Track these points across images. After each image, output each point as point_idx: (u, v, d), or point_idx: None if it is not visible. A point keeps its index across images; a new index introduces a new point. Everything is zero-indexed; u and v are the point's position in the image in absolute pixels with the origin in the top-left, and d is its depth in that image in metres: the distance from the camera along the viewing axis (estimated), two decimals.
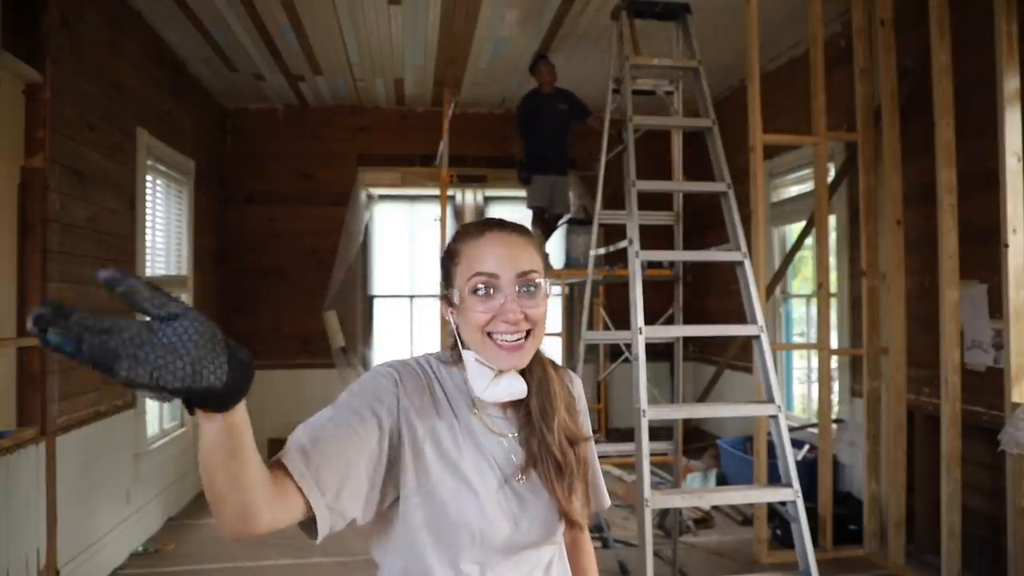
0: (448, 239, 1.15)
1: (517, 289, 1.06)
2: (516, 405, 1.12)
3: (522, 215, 6.13)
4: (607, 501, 1.27)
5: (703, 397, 5.68)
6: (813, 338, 4.47)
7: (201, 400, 0.71)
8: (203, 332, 0.67)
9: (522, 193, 5.72)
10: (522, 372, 1.11)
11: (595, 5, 4.25)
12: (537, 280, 1.07)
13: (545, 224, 5.39)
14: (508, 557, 1.06)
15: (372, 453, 0.99)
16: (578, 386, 1.23)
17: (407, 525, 1.04)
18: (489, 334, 1.06)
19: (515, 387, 1.08)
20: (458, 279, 1.08)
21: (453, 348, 1.15)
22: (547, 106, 5.03)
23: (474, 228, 1.12)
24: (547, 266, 1.32)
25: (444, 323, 1.17)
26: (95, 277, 0.64)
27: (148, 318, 0.66)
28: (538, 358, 1.13)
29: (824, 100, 3.88)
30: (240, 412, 0.76)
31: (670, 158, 3.76)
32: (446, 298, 1.12)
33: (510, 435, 1.11)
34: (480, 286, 1.06)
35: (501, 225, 1.11)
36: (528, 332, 1.07)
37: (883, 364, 3.83)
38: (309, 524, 0.93)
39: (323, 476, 0.92)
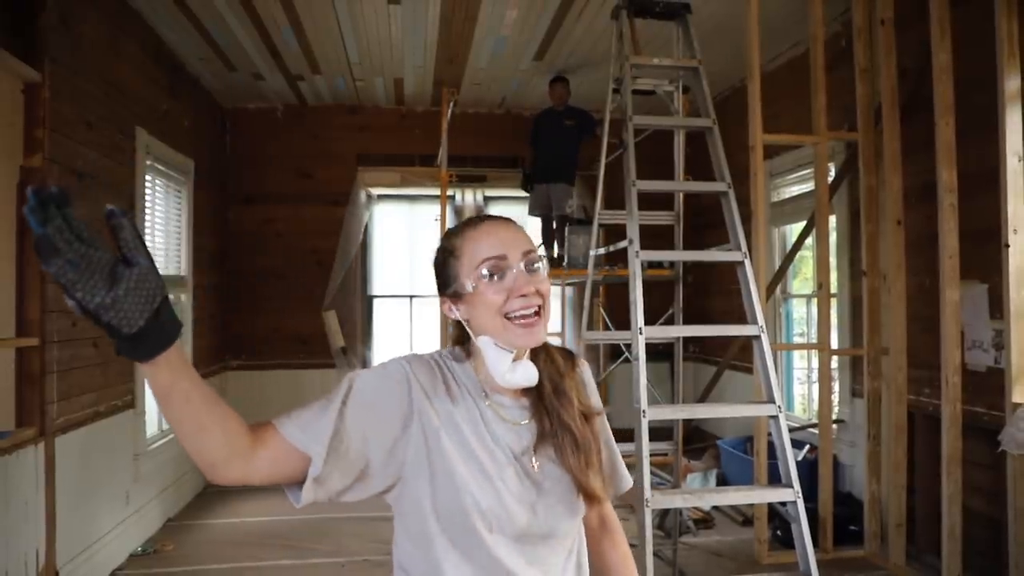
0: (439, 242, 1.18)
1: (523, 267, 1.09)
2: (527, 392, 1.14)
3: (521, 215, 6.14)
4: (627, 481, 1.27)
5: (703, 397, 5.67)
6: (813, 338, 4.45)
7: (120, 343, 0.80)
8: (143, 285, 0.78)
9: (522, 192, 5.77)
10: (531, 358, 1.14)
11: (595, 4, 4.24)
12: (539, 257, 1.12)
13: (550, 231, 5.61)
14: (525, 546, 1.06)
15: (372, 435, 1.03)
16: (585, 368, 1.25)
17: (422, 514, 1.05)
18: (506, 315, 1.08)
19: (530, 372, 1.10)
20: (463, 271, 1.11)
21: (460, 344, 1.17)
22: (554, 121, 5.45)
23: (468, 223, 1.16)
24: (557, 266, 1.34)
25: (446, 323, 1.19)
26: (104, 210, 0.77)
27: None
28: (543, 344, 1.16)
29: (824, 100, 3.87)
30: (163, 369, 0.85)
31: (671, 158, 3.75)
32: (452, 295, 1.14)
33: (523, 422, 1.12)
34: (489, 270, 1.08)
35: (492, 216, 1.16)
36: (539, 309, 1.09)
37: (884, 364, 3.82)
38: (294, 489, 1.00)
39: (312, 445, 0.98)
